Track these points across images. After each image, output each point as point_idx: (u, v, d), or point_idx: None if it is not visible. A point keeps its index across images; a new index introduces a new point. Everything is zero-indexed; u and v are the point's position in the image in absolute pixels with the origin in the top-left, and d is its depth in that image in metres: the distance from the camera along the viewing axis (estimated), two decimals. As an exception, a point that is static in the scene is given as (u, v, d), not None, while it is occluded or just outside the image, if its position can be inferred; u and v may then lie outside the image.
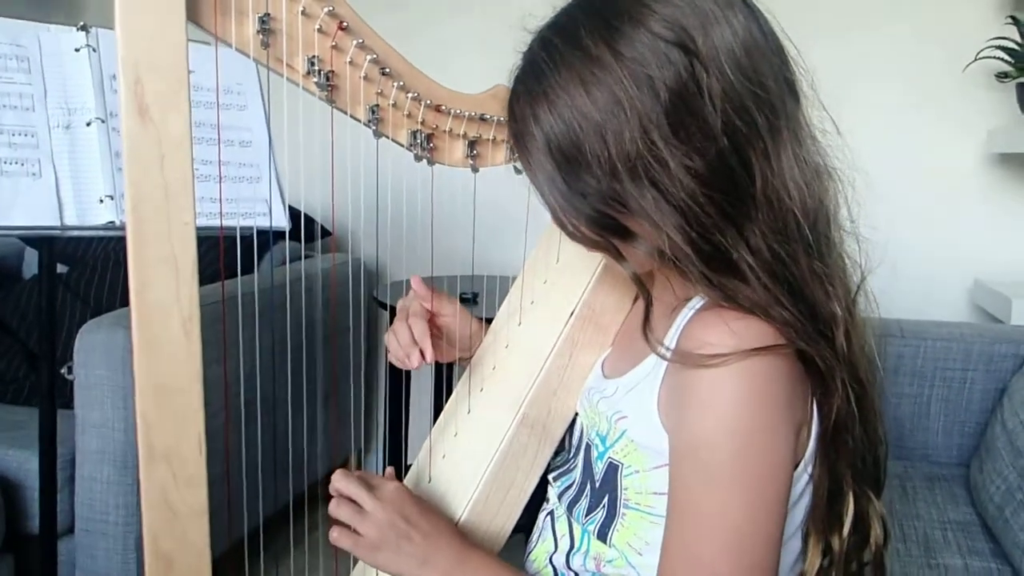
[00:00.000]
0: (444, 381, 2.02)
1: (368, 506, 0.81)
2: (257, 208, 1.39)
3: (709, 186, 0.67)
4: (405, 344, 0.93)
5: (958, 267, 2.13)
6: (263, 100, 1.42)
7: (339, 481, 0.83)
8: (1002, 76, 1.96)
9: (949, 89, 2.08)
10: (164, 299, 0.76)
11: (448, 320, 1.00)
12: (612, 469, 0.81)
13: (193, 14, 0.74)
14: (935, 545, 1.44)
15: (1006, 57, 1.92)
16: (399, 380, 2.10)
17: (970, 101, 2.08)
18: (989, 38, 1.93)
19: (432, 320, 0.98)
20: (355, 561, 0.94)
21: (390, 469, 0.92)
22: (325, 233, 2.33)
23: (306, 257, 2.25)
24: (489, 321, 1.03)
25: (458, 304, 1.01)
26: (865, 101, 2.07)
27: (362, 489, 0.82)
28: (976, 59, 1.94)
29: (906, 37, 2.10)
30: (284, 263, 2.15)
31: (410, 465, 0.98)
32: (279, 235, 1.88)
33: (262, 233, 1.72)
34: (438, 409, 2.03)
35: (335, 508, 0.82)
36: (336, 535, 0.82)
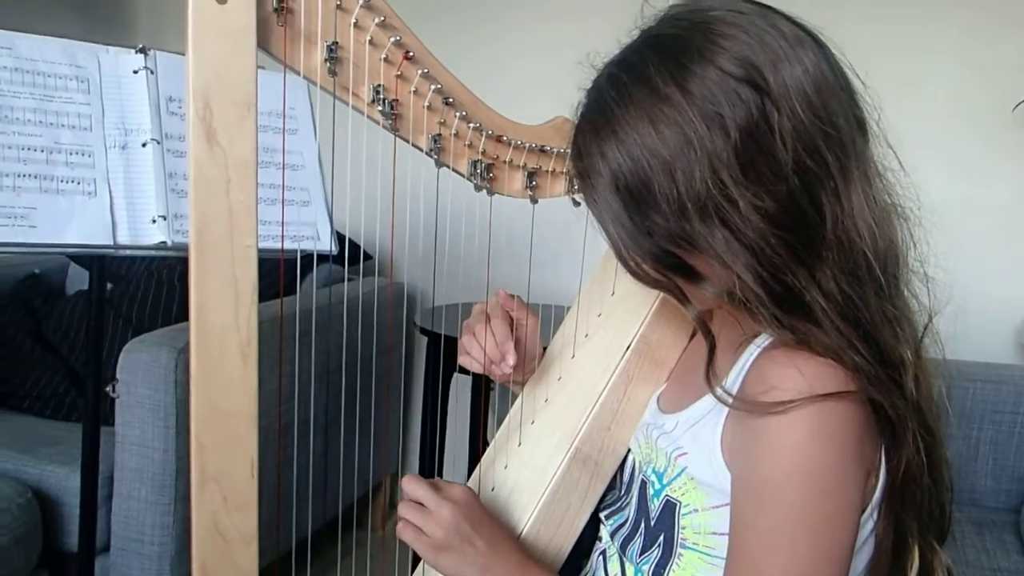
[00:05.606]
0: (481, 404, 2.01)
1: (432, 506, 0.81)
2: (304, 231, 1.40)
3: (779, 226, 0.66)
4: (490, 348, 0.91)
5: (1005, 306, 2.09)
6: (313, 124, 1.43)
7: (408, 483, 0.84)
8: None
9: (998, 128, 2.06)
10: (224, 322, 0.76)
11: (525, 331, 0.96)
12: (669, 507, 0.80)
13: (263, 41, 0.75)
14: (986, 594, 1.41)
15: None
16: (438, 401, 2.09)
17: (1018, 140, 2.06)
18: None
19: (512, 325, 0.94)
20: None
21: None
22: (366, 257, 2.34)
23: (347, 280, 2.25)
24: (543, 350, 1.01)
25: (536, 319, 0.96)
26: (912, 138, 2.05)
27: (429, 490, 0.82)
28: (1027, 97, 1.93)
29: (954, 77, 2.08)
30: (326, 285, 2.16)
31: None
32: (321, 258, 1.90)
33: (304, 256, 1.73)
34: (475, 432, 2.03)
35: (403, 509, 0.83)
36: (401, 526, 0.82)
